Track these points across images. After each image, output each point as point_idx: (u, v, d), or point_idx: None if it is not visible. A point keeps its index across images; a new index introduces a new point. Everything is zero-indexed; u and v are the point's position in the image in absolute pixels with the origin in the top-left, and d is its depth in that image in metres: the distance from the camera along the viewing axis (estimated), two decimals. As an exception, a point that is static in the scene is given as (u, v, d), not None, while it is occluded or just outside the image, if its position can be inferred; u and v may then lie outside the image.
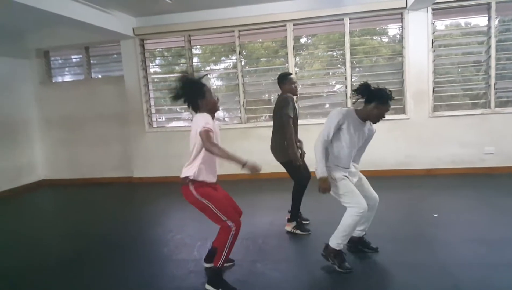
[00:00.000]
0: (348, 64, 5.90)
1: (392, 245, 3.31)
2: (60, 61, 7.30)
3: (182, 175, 2.74)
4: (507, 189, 4.90)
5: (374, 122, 2.99)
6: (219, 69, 6.60)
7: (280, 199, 5.07)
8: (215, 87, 6.70)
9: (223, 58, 6.58)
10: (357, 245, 3.16)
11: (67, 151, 6.92)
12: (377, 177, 5.73)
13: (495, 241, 3.27)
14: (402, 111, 5.88)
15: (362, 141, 3.05)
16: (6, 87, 6.45)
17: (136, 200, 5.77)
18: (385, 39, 6.16)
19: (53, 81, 7.13)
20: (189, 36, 6.30)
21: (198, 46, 6.54)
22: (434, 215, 4.03)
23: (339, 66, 6.10)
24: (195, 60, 6.51)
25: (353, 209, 2.80)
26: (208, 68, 6.56)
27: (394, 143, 5.87)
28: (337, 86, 6.28)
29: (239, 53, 6.19)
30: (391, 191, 5.17)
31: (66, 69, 7.34)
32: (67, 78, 7.26)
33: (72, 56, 7.20)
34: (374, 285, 2.70)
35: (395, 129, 5.87)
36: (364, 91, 2.84)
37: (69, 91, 6.87)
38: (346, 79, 5.95)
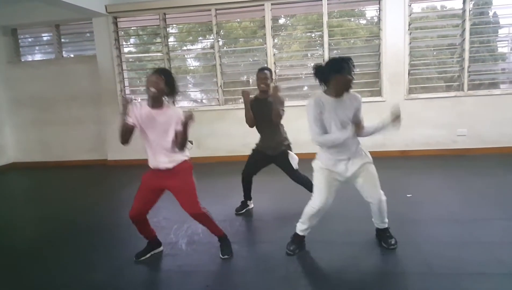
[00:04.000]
0: (326, 46, 5.87)
1: (365, 225, 3.36)
2: (29, 40, 6.99)
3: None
4: (479, 170, 5.05)
5: (341, 92, 2.77)
6: (196, 49, 6.46)
7: (256, 181, 5.08)
8: (191, 68, 6.59)
9: (200, 38, 6.44)
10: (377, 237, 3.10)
11: (38, 133, 6.70)
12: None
13: (466, 221, 3.37)
14: (379, 93, 5.92)
15: (350, 114, 2.87)
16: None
17: (110, 183, 5.66)
18: (362, 21, 6.16)
19: (22, 60, 6.83)
20: (164, 14, 6.11)
21: (174, 25, 6.37)
22: (408, 195, 4.11)
23: (317, 47, 6.07)
24: (171, 39, 6.34)
25: (312, 200, 2.85)
26: (184, 48, 6.41)
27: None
28: (315, 68, 6.25)
29: (216, 33, 6.06)
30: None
31: (36, 47, 7.04)
32: (37, 57, 6.98)
33: (42, 34, 6.89)
34: (348, 264, 2.73)
35: (371, 112, 5.82)
36: (317, 74, 2.72)
37: (40, 70, 6.60)
38: (323, 61, 5.92)
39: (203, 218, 2.84)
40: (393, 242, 2.90)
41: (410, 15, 5.65)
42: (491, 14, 5.88)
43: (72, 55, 6.84)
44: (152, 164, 2.82)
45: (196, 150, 6.41)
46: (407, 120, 5.70)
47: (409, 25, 5.66)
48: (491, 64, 5.85)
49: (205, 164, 5.95)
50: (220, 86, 6.19)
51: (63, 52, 6.73)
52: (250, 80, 6.38)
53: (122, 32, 6.38)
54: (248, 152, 6.11)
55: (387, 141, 5.93)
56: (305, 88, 6.32)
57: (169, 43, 6.27)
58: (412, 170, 5.19)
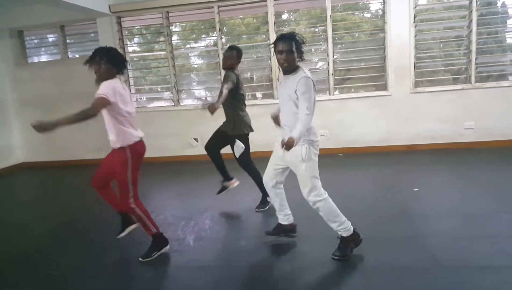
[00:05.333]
0: (330, 40, 5.82)
1: (372, 220, 3.35)
2: (35, 41, 7.06)
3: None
4: (486, 164, 4.98)
5: (282, 67, 2.61)
6: (199, 47, 6.46)
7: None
8: (195, 66, 6.59)
9: (203, 35, 6.43)
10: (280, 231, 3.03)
11: (45, 133, 6.75)
12: (358, 154, 5.81)
13: (473, 214, 3.33)
14: (384, 87, 5.86)
15: (284, 96, 2.66)
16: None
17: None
18: (367, 14, 6.09)
19: (29, 61, 6.91)
20: (167, 13, 6.12)
21: (177, 23, 6.37)
22: (414, 189, 4.08)
23: (321, 42, 6.02)
24: (174, 38, 6.35)
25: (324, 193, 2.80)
26: (188, 46, 6.42)
27: (375, 120, 5.89)
28: (319, 63, 6.21)
29: (219, 30, 6.05)
30: (372, 167, 5.22)
31: (42, 49, 7.11)
32: (43, 58, 7.04)
33: (48, 36, 6.95)
34: (353, 259, 2.71)
35: (376, 106, 5.88)
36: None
37: (46, 71, 6.67)
38: (328, 56, 5.89)
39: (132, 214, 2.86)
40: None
41: (415, 7, 5.57)
42: (499, 4, 5.76)
43: (77, 56, 6.89)
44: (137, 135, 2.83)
45: (201, 147, 6.42)
46: (413, 114, 5.72)
47: (414, 17, 5.58)
48: (499, 56, 5.73)
49: (209, 162, 5.95)
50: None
51: (69, 53, 6.79)
52: (254, 77, 6.37)
53: (126, 32, 6.41)
54: (256, 148, 6.13)
55: (393, 136, 5.88)
56: (310, 83, 6.28)
57: (172, 41, 6.28)
58: (418, 164, 5.14)
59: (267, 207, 3.80)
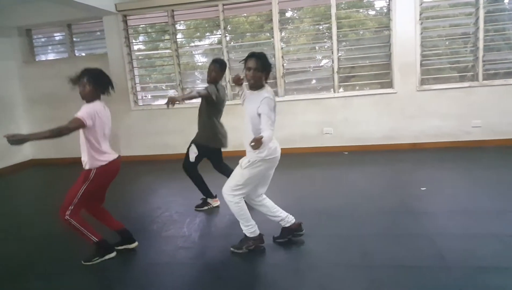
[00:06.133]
0: (334, 38, 5.79)
1: (378, 218, 3.35)
2: (43, 40, 7.16)
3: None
4: (492, 162, 4.92)
5: (249, 83, 2.79)
6: (204, 45, 6.48)
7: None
8: (199, 64, 6.61)
9: (207, 33, 6.45)
10: None
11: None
12: (363, 152, 5.78)
13: (480, 213, 3.31)
14: (389, 85, 5.82)
15: (248, 110, 2.81)
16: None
17: (123, 177, 5.75)
18: (371, 11, 6.04)
19: (37, 59, 7.01)
20: (172, 11, 6.15)
21: (182, 22, 6.40)
22: (422, 188, 4.04)
23: (325, 40, 6.00)
24: (179, 36, 6.38)
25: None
26: (192, 44, 6.45)
27: (380, 118, 5.85)
28: (324, 61, 6.19)
29: (224, 28, 6.07)
30: (376, 165, 5.20)
31: (49, 47, 7.21)
32: (51, 56, 7.14)
33: (55, 34, 7.05)
34: (359, 258, 2.72)
35: (381, 104, 5.84)
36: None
37: (53, 69, 6.75)
38: (332, 53, 5.86)
39: (67, 225, 2.84)
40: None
41: (421, 4, 5.51)
42: (506, 1, 5.67)
43: (83, 54, 6.97)
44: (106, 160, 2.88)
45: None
46: (419, 111, 5.67)
47: (420, 14, 5.52)
48: (507, 53, 5.63)
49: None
50: (228, 81, 6.20)
51: (75, 51, 6.87)
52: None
53: (132, 30, 6.46)
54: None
55: (396, 133, 5.83)
56: (313, 81, 6.26)
57: (177, 40, 6.32)
58: (424, 162, 5.10)
59: (206, 208, 3.95)
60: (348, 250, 2.83)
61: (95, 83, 2.81)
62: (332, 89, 5.99)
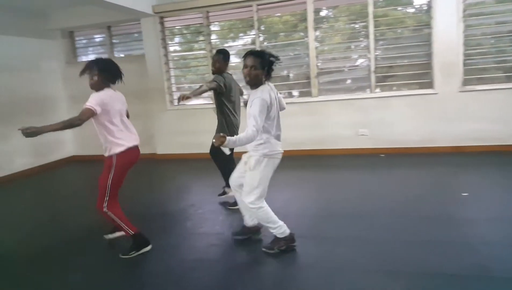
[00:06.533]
0: (371, 37, 5.64)
1: (414, 224, 3.23)
2: (84, 41, 7.47)
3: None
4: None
5: (245, 80, 2.77)
6: (237, 45, 6.51)
7: (296, 177, 5.06)
8: (232, 64, 6.64)
9: (241, 34, 6.47)
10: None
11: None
12: (400, 155, 5.59)
13: None
14: (429, 85, 5.59)
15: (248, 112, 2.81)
16: (35, 67, 6.71)
17: (158, 175, 5.93)
18: (410, 9, 5.82)
19: (78, 60, 7.33)
20: (207, 12, 6.23)
21: (217, 23, 6.46)
22: (463, 194, 3.85)
23: (362, 39, 5.85)
24: (213, 37, 6.45)
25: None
26: (226, 44, 6.50)
27: (419, 119, 5.64)
28: (360, 60, 6.05)
29: (257, 29, 6.07)
30: (414, 169, 5.02)
31: (90, 48, 7.51)
32: (91, 57, 7.39)
33: (95, 36, 7.33)
34: (394, 263, 2.64)
35: (421, 105, 5.62)
36: None
37: (94, 70, 7.03)
38: (369, 52, 5.71)
39: (105, 217, 2.94)
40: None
41: (464, 1, 5.25)
42: (559, -5, 5.28)
43: (122, 55, 7.21)
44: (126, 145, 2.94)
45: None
46: (460, 113, 5.41)
47: (463, 12, 5.27)
48: (559, 51, 5.27)
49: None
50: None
51: (114, 52, 7.12)
52: (291, 75, 6.32)
53: (168, 32, 6.60)
54: (289, 147, 5.99)
55: (436, 135, 5.60)
56: (348, 81, 6.13)
57: (211, 40, 6.39)
58: (466, 166, 4.87)
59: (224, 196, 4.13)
60: (381, 256, 2.74)
61: (104, 73, 2.88)
62: (368, 89, 5.84)
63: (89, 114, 2.75)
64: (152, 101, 6.76)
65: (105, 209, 2.89)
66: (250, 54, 2.72)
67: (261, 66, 2.68)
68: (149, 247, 3.07)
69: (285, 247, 2.88)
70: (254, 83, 2.73)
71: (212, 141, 2.60)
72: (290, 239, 2.90)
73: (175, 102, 6.78)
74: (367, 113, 5.81)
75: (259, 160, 2.76)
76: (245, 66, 2.71)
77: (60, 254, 3.23)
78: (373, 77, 5.75)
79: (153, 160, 6.78)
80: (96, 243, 3.27)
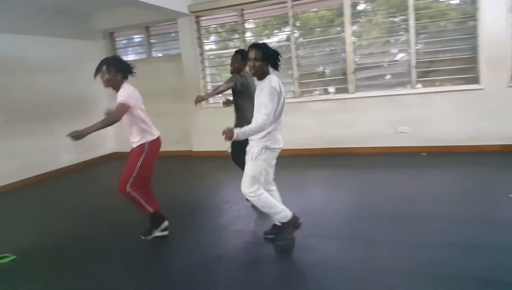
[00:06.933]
0: (412, 31, 5.41)
1: (460, 226, 3.07)
2: (124, 41, 7.72)
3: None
4: None
5: (251, 72, 2.90)
6: (272, 42, 6.47)
7: (333, 175, 4.96)
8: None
9: (276, 31, 6.42)
10: None
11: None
12: (443, 154, 5.34)
13: None
14: (475, 80, 5.28)
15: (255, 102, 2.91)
16: (79, 67, 7.01)
17: (195, 172, 6.04)
18: (454, 1, 5.51)
19: (119, 61, 7.58)
20: (242, 10, 6.24)
21: (251, 20, 6.45)
22: (511, 195, 3.61)
23: (402, 33, 5.63)
24: (248, 34, 6.45)
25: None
26: (260, 42, 6.48)
27: (464, 116, 5.34)
28: (400, 55, 5.82)
29: (292, 25, 6.00)
30: (457, 168, 4.77)
31: (130, 49, 7.75)
32: (131, 57, 7.67)
33: (134, 36, 7.56)
34: (434, 266, 2.52)
35: (465, 101, 5.32)
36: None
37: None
38: (410, 47, 5.48)
39: (127, 197, 3.08)
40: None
41: (515, -11, 4.91)
42: None
43: (160, 54, 7.39)
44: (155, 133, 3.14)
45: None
46: (509, 110, 5.07)
47: (513, 1, 4.93)
48: None
49: (280, 157, 5.96)
50: (296, 78, 6.13)
51: (152, 52, 7.31)
52: (327, 71, 6.20)
53: (203, 31, 6.68)
54: (325, 145, 5.94)
55: (482, 133, 5.28)
56: (388, 76, 5.92)
57: (246, 38, 6.40)
58: (515, 167, 4.56)
59: None
60: (422, 259, 2.61)
61: (115, 69, 3.03)
62: (408, 85, 5.62)
63: (124, 108, 2.91)
64: (188, 99, 6.83)
65: (128, 190, 3.03)
66: (252, 47, 2.82)
67: (263, 57, 2.77)
68: (166, 223, 3.24)
69: (293, 231, 2.93)
70: (260, 74, 2.84)
71: (228, 148, 2.74)
72: (294, 220, 2.93)
73: (211, 100, 6.85)
74: (407, 109, 5.58)
75: (260, 152, 2.83)
76: (249, 59, 2.83)
77: (102, 244, 3.36)
78: (413, 72, 5.51)
79: (190, 157, 6.91)
80: (134, 237, 3.36)
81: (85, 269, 2.94)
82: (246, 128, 2.70)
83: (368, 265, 2.61)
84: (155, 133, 3.15)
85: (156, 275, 2.78)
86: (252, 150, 2.87)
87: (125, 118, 3.01)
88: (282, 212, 2.90)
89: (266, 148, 2.83)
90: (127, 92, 3.00)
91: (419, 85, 5.60)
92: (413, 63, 5.49)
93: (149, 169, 3.20)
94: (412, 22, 5.39)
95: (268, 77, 2.83)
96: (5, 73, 5.70)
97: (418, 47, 5.48)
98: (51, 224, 4.07)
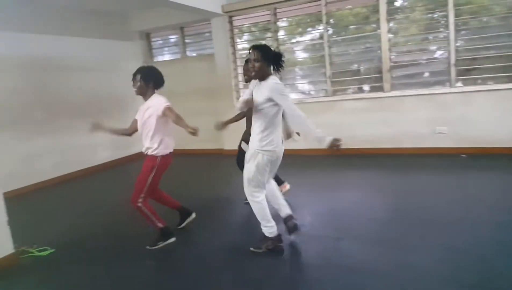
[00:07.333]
0: (451, 27, 5.19)
1: (505, 232, 2.91)
2: (160, 42, 7.92)
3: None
4: None
5: (252, 75, 2.83)
6: (305, 40, 6.42)
7: (367, 177, 4.85)
8: (300, 59, 6.57)
9: (309, 29, 6.37)
10: None
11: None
12: (485, 156, 5.08)
13: None
14: (521, 78, 5.00)
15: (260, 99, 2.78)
16: (117, 67, 7.28)
17: (226, 170, 6.07)
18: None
19: (154, 60, 7.80)
20: (275, 9, 6.24)
21: (285, 19, 6.43)
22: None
23: (441, 29, 5.41)
24: (281, 33, 6.44)
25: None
26: (293, 40, 6.45)
27: (507, 116, 5.06)
28: (438, 52, 5.61)
29: (326, 22, 5.92)
30: (501, 171, 4.54)
31: (165, 49, 7.94)
32: (166, 57, 7.87)
33: (170, 37, 7.74)
34: (479, 276, 2.40)
35: (510, 100, 5.05)
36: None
37: (168, 69, 7.28)
38: (449, 44, 5.27)
39: (139, 212, 3.16)
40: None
41: None
42: None
43: (194, 54, 7.52)
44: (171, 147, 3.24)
45: (303, 142, 6.38)
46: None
47: None
48: None
49: (312, 156, 5.91)
50: (329, 76, 6.05)
51: (187, 52, 7.45)
52: (361, 69, 6.07)
53: (236, 30, 6.73)
54: (359, 144, 5.78)
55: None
56: (426, 74, 5.72)
57: (279, 37, 6.39)
58: None
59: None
60: (462, 267, 2.48)
61: (147, 79, 3.13)
62: (447, 83, 5.40)
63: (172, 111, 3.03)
64: (220, 98, 6.95)
65: (139, 204, 3.13)
66: (252, 48, 2.78)
67: (264, 58, 2.72)
68: (173, 239, 3.28)
69: (272, 247, 2.91)
70: (261, 75, 2.78)
71: (245, 147, 2.76)
72: (277, 239, 2.94)
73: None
74: (446, 109, 5.37)
75: (254, 154, 2.81)
76: (249, 60, 2.79)
77: (135, 241, 3.43)
78: (453, 70, 5.29)
79: (221, 156, 6.98)
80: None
81: (118, 264, 3.02)
82: (315, 130, 2.67)
83: (405, 272, 2.51)
84: (170, 148, 3.22)
85: (189, 271, 2.83)
86: (248, 153, 2.90)
87: (155, 123, 3.08)
88: (270, 228, 2.92)
89: (261, 150, 2.78)
90: (164, 98, 3.14)
91: (459, 84, 5.36)
92: (453, 60, 5.27)
93: (158, 181, 3.30)
94: (451, 18, 5.18)
95: (271, 77, 2.77)
96: (47, 72, 6.00)
97: (458, 44, 5.25)
98: (87, 219, 4.22)
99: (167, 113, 3.00)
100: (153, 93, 3.19)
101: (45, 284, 2.84)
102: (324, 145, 2.69)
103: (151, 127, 3.10)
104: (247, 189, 2.90)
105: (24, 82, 5.68)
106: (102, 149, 6.83)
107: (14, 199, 4.75)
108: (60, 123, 6.18)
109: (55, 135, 6.09)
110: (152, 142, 3.13)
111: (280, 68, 2.83)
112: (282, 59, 2.82)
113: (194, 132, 2.70)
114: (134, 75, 3.18)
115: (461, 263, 2.53)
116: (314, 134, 2.69)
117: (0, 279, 2.90)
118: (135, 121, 3.29)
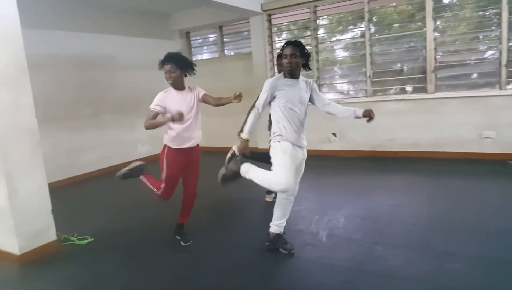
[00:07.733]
0: (504, 26, 4.87)
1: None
2: (199, 41, 8.06)
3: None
4: None
5: (288, 71, 2.75)
6: (345, 39, 6.26)
7: (406, 181, 4.66)
8: (339, 58, 6.42)
9: (350, 27, 6.21)
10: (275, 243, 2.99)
11: (203, 123, 7.68)
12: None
13: None
14: None
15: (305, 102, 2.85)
16: (157, 66, 7.48)
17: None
18: (562, -12, 4.83)
19: (194, 59, 7.94)
20: (315, 7, 6.14)
21: (325, 17, 6.32)
22: None
23: (493, 28, 5.08)
24: (320, 31, 6.33)
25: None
26: (333, 38, 6.32)
27: None
28: (489, 53, 5.27)
29: (368, 20, 5.75)
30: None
31: (204, 47, 8.07)
32: (205, 56, 7.99)
33: (209, 36, 7.85)
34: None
35: None
36: None
37: (206, 68, 7.52)
38: (501, 43, 4.94)
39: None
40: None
41: None
42: None
43: (232, 53, 7.58)
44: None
45: (339, 143, 6.28)
46: None
47: None
48: None
49: (348, 158, 5.77)
50: (369, 76, 5.86)
51: (225, 51, 7.52)
52: (405, 68, 5.84)
53: (275, 28, 6.70)
54: (400, 147, 5.58)
55: None
56: (474, 75, 5.40)
57: (318, 35, 6.28)
58: None
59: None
60: (501, 279, 2.34)
61: (183, 68, 3.04)
62: (497, 86, 5.07)
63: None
64: (257, 97, 6.94)
65: (159, 192, 3.30)
66: (288, 43, 2.74)
67: (301, 54, 2.71)
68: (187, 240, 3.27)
69: (232, 174, 3.03)
70: (296, 72, 2.76)
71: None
72: (277, 237, 2.95)
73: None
74: (494, 113, 5.04)
75: (272, 146, 2.97)
76: (285, 56, 2.71)
77: (168, 235, 3.47)
78: (504, 72, 4.96)
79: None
80: (205, 228, 3.49)
81: (153, 256, 3.08)
82: (355, 109, 2.90)
83: (440, 279, 2.39)
84: (181, 144, 3.13)
85: (219, 268, 2.84)
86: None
87: (196, 113, 3.11)
88: (281, 223, 2.96)
89: (275, 142, 2.96)
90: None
91: (510, 86, 5.02)
92: (504, 61, 4.93)
93: (181, 179, 3.32)
94: (505, 16, 4.85)
95: (301, 78, 2.81)
96: (95, 70, 6.28)
97: (511, 44, 4.91)
98: (126, 211, 4.36)
99: (206, 98, 3.02)
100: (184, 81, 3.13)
101: (83, 271, 2.96)
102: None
103: (198, 116, 3.13)
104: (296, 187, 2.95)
105: (73, 79, 5.97)
106: (143, 144, 7.06)
107: (59, 189, 5.02)
108: (104, 118, 6.45)
109: (100, 129, 6.37)
110: (197, 133, 3.21)
111: (307, 67, 2.83)
112: (310, 58, 2.83)
113: (238, 97, 2.86)
114: (167, 62, 2.99)
115: (501, 276, 2.37)
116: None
117: (42, 264, 3.06)
118: (157, 114, 3.05)
